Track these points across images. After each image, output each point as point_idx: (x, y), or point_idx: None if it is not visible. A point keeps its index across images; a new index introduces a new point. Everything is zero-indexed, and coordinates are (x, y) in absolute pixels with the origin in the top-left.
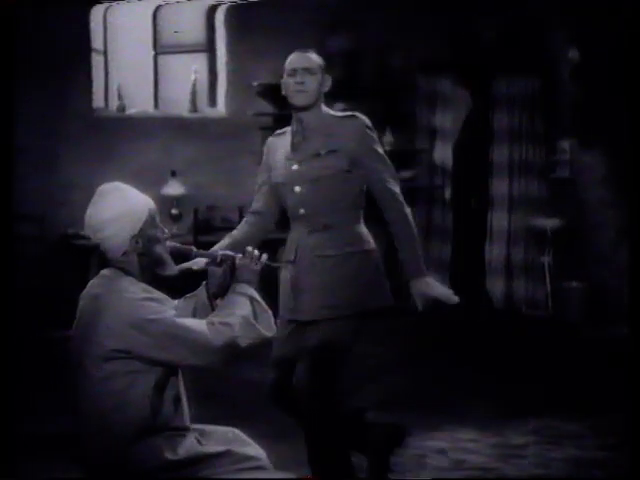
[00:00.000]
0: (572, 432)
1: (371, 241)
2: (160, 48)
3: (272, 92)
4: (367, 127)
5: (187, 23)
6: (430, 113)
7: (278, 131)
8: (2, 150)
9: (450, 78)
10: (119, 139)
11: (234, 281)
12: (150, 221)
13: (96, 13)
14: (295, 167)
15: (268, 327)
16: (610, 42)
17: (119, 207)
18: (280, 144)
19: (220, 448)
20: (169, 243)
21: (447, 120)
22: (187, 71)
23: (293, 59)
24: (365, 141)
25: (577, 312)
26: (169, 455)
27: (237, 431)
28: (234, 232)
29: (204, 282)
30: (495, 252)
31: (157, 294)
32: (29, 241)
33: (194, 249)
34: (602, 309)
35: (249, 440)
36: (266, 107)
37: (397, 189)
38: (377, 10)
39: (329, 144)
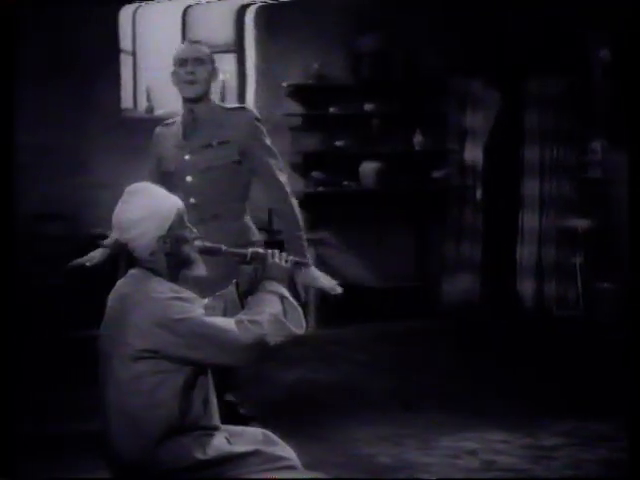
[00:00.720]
0: (604, 433)
1: (257, 233)
2: None
3: (302, 92)
4: (256, 119)
5: (216, 24)
6: (461, 113)
7: (166, 121)
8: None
9: (481, 78)
10: (147, 140)
11: (264, 279)
12: (178, 221)
13: (125, 13)
14: (187, 157)
15: (298, 325)
16: None
17: (147, 207)
18: (169, 134)
19: (249, 448)
20: (197, 242)
21: (478, 120)
22: None
23: (183, 49)
24: (254, 133)
25: (608, 313)
26: (198, 455)
27: (267, 431)
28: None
29: (234, 280)
30: (526, 253)
31: (185, 293)
32: (56, 241)
33: (223, 247)
34: (634, 310)
35: (279, 440)
36: (296, 108)
37: (284, 179)
38: (407, 10)
39: (220, 135)
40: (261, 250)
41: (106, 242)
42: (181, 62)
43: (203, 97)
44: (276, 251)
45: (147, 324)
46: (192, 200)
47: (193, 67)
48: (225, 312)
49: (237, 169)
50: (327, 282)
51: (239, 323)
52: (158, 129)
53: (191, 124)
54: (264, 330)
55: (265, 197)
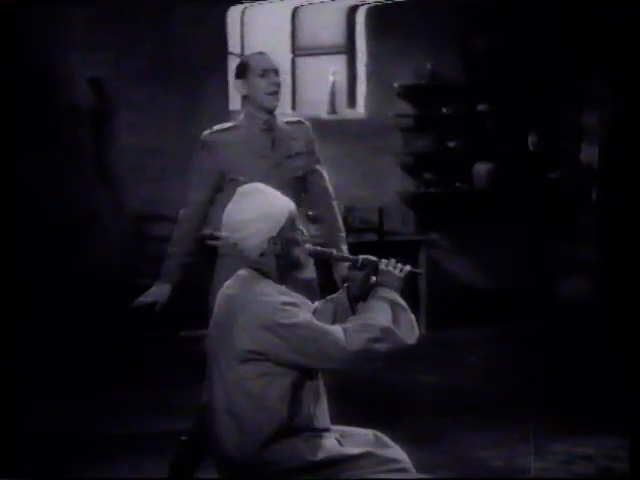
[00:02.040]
0: None
1: None
2: (298, 50)
3: (413, 93)
4: (311, 131)
5: (326, 24)
6: (576, 113)
7: (217, 127)
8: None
9: (597, 76)
10: None
11: (377, 285)
12: (290, 223)
13: (233, 14)
14: (273, 167)
15: (410, 333)
16: None
17: (259, 208)
18: (231, 140)
19: (361, 450)
20: (309, 246)
21: (594, 120)
22: (325, 73)
23: (263, 59)
24: (313, 144)
25: None
26: (308, 456)
27: (378, 433)
28: (175, 235)
29: (345, 285)
30: None
31: (294, 297)
32: (163, 242)
33: (334, 252)
34: None
35: (391, 442)
36: (407, 108)
37: (329, 184)
38: (519, 8)
39: (294, 147)
40: (373, 257)
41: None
42: (263, 72)
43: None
44: (392, 260)
45: (254, 326)
46: None
47: (276, 78)
48: (335, 316)
49: (305, 180)
50: None
51: (346, 329)
52: (213, 135)
53: (271, 134)
54: (373, 337)
55: (312, 202)
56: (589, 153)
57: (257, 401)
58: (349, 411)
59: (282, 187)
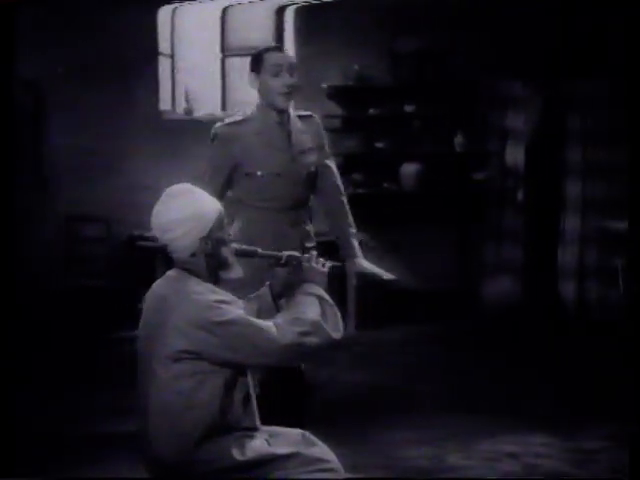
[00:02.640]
0: None
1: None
2: (228, 50)
3: (341, 94)
4: (322, 125)
5: (255, 24)
6: (502, 114)
7: (229, 120)
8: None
9: (522, 79)
10: (186, 142)
11: (302, 282)
12: (218, 223)
13: (163, 15)
14: (289, 161)
15: (336, 328)
16: None
17: (190, 208)
18: (245, 133)
19: (289, 450)
20: (234, 245)
21: (519, 121)
22: None
23: (277, 56)
24: (324, 139)
25: None
26: (237, 456)
27: (307, 433)
28: None
29: (267, 282)
30: (567, 254)
31: (224, 295)
32: (96, 243)
33: (258, 250)
34: None
35: (319, 442)
36: (335, 109)
37: (339, 180)
38: (446, 11)
39: (306, 141)
40: (296, 253)
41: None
42: (276, 71)
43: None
44: (313, 255)
45: (187, 325)
46: (289, 203)
47: (290, 77)
48: (259, 314)
49: (316, 175)
50: (379, 270)
51: (277, 324)
52: (225, 129)
53: (286, 128)
54: (303, 332)
55: (321, 197)
56: (514, 154)
57: (188, 400)
58: (279, 410)
59: (297, 182)
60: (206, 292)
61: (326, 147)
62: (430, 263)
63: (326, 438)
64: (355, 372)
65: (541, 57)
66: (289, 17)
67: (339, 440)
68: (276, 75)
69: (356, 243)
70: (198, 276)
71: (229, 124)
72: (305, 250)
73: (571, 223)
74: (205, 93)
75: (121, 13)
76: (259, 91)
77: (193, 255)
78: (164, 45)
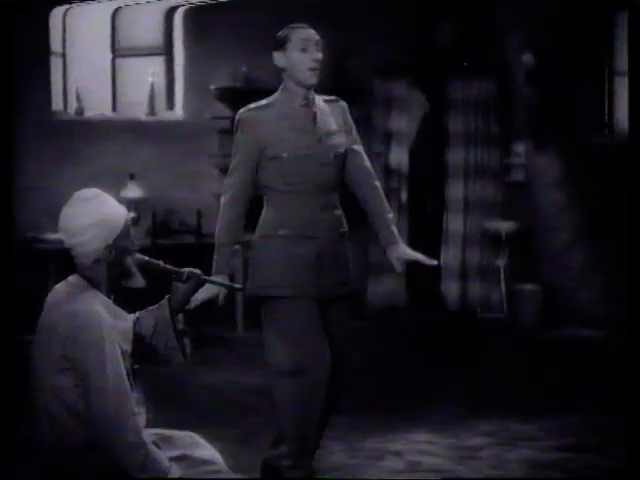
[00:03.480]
0: (527, 433)
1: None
2: (118, 51)
3: (230, 95)
4: (348, 111)
5: (145, 26)
6: (386, 116)
7: (253, 105)
8: None
9: (406, 81)
10: (78, 142)
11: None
12: (125, 231)
13: (55, 15)
14: (315, 143)
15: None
16: (564, 45)
17: (98, 214)
18: (269, 117)
19: (177, 452)
20: (138, 256)
21: (403, 123)
22: (145, 74)
23: (303, 32)
24: (351, 123)
25: (531, 314)
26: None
27: (195, 435)
28: (226, 222)
29: (167, 296)
30: (450, 255)
31: (114, 314)
32: None
33: (161, 264)
34: (556, 311)
35: (206, 444)
36: (223, 110)
37: (369, 165)
38: (333, 13)
39: (333, 123)
40: (197, 271)
41: None
42: (304, 46)
43: None
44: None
45: (66, 332)
46: (318, 186)
47: (317, 52)
48: (155, 327)
49: (344, 159)
50: (420, 255)
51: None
52: (249, 113)
53: (311, 109)
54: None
55: (353, 183)
56: (398, 156)
57: (72, 410)
58: (171, 413)
59: (324, 164)
60: (96, 306)
61: (354, 132)
62: None
63: (214, 439)
64: (247, 374)
65: (424, 59)
66: (178, 19)
67: (227, 441)
68: (304, 50)
69: (394, 228)
70: (98, 284)
71: (253, 109)
72: (345, 233)
73: (453, 224)
74: (96, 93)
75: (13, 11)
76: (285, 69)
77: (96, 262)
78: (56, 45)
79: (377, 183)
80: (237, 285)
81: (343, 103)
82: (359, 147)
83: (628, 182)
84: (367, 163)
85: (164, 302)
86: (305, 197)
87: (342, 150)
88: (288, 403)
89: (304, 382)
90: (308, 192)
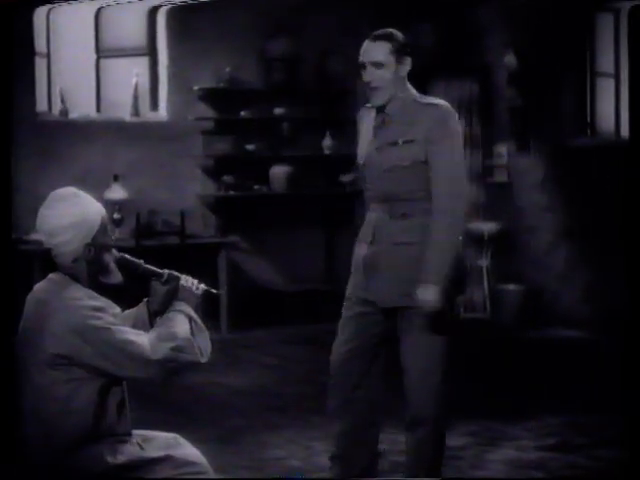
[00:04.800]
0: (509, 433)
1: None
2: (102, 51)
3: (213, 96)
4: (447, 118)
5: (129, 25)
6: None
7: (367, 104)
8: None
9: None
10: (62, 143)
11: (175, 300)
12: (102, 229)
13: (39, 14)
14: (375, 153)
15: (203, 351)
16: (546, 47)
17: (76, 214)
18: (367, 120)
19: (161, 453)
20: (118, 253)
21: None
22: (129, 75)
23: (363, 49)
24: (442, 132)
25: (514, 314)
26: (111, 460)
27: (178, 436)
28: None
29: (145, 299)
30: None
31: (102, 301)
32: None
33: (142, 263)
34: (538, 311)
35: (190, 445)
36: (207, 111)
37: (445, 188)
38: (317, 15)
39: (408, 133)
40: (176, 273)
41: None
42: (361, 66)
43: (393, 97)
44: (189, 277)
45: (62, 330)
46: (381, 196)
47: (371, 74)
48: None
49: (425, 169)
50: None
51: (150, 339)
52: (360, 112)
53: (380, 118)
54: (174, 347)
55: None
56: None
57: (64, 406)
58: (154, 414)
59: (385, 175)
60: (84, 298)
61: (448, 141)
62: (299, 264)
63: (198, 440)
64: (228, 374)
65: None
66: (161, 19)
67: (211, 442)
68: (362, 69)
69: (432, 266)
70: (78, 281)
71: (365, 107)
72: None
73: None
74: (80, 94)
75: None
76: None
77: (75, 260)
78: (40, 45)
79: (443, 207)
80: (213, 289)
81: (442, 110)
82: (439, 161)
83: (610, 183)
84: (441, 186)
85: (142, 305)
86: (375, 203)
87: (407, 162)
88: None
89: None
90: (376, 200)
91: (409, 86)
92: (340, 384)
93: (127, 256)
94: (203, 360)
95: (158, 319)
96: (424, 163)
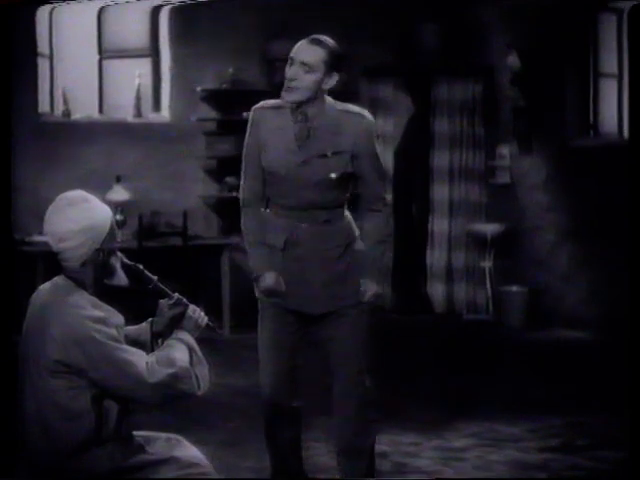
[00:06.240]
0: (512, 435)
1: (357, 229)
2: (105, 52)
3: (216, 97)
4: (372, 129)
5: (131, 25)
6: None
7: (268, 102)
8: None
9: (391, 83)
10: (64, 144)
11: (178, 327)
12: (110, 233)
13: (42, 15)
14: (300, 165)
15: (201, 383)
16: (549, 47)
17: (87, 219)
18: (275, 122)
19: (164, 455)
20: (133, 264)
21: (388, 125)
22: (132, 76)
23: (297, 46)
24: (369, 145)
25: (517, 315)
26: (114, 463)
27: (180, 437)
28: (256, 236)
29: (150, 319)
30: (436, 257)
31: (105, 311)
32: None
33: (156, 279)
34: (542, 312)
35: (191, 446)
36: (210, 112)
37: (384, 193)
38: (320, 15)
39: (335, 144)
40: (185, 300)
41: None
42: (289, 60)
43: (311, 100)
44: (197, 308)
45: (63, 338)
46: (302, 206)
47: (296, 72)
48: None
49: (350, 178)
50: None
51: (148, 362)
52: (259, 112)
53: (304, 128)
54: (172, 374)
55: (361, 202)
56: (384, 157)
57: (65, 412)
58: (156, 416)
59: (312, 188)
60: (87, 307)
61: (374, 151)
62: None
63: (201, 441)
64: (232, 376)
65: (409, 61)
66: (164, 20)
67: (213, 443)
68: (289, 63)
69: (375, 262)
70: (84, 285)
71: (262, 108)
72: (353, 241)
73: (439, 226)
74: (83, 95)
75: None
76: None
77: (83, 264)
78: (43, 45)
79: (377, 211)
80: (214, 325)
81: (368, 120)
82: (375, 172)
83: (613, 183)
84: (380, 190)
85: (146, 324)
86: (289, 211)
87: (336, 174)
88: None
89: None
90: (293, 208)
91: (327, 96)
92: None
93: (142, 267)
94: (199, 393)
95: (159, 341)
96: (351, 174)
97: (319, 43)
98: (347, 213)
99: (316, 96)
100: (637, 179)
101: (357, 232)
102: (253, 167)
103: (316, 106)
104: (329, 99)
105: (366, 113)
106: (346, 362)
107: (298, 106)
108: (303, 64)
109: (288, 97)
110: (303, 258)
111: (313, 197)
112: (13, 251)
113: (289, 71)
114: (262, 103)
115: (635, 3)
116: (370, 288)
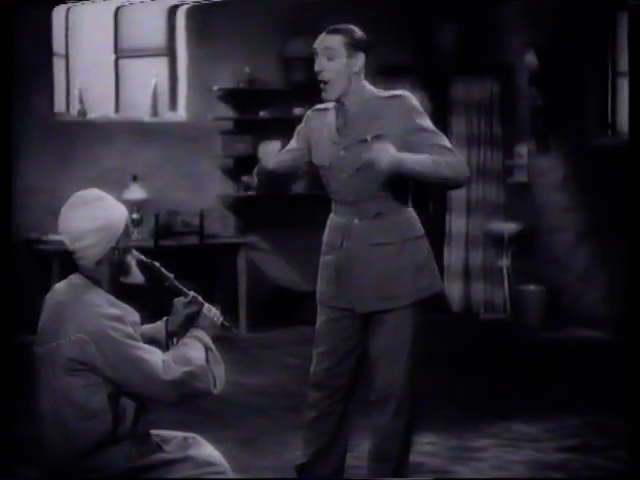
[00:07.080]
0: (530, 435)
1: (420, 226)
2: (121, 52)
3: (232, 96)
4: (412, 106)
5: (148, 25)
6: None
7: (318, 106)
8: None
9: (408, 82)
10: (80, 144)
11: (194, 326)
12: (125, 231)
13: (58, 14)
14: (342, 153)
15: (217, 381)
16: (567, 46)
17: (102, 218)
18: (322, 121)
19: (181, 454)
20: (150, 261)
21: None
22: (148, 75)
23: (318, 39)
24: (410, 122)
25: (535, 315)
26: (131, 462)
27: (197, 436)
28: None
29: (165, 318)
30: (453, 256)
31: (122, 309)
32: None
33: (172, 277)
34: (559, 312)
35: (208, 445)
36: (226, 111)
37: (447, 157)
38: (336, 14)
39: (374, 128)
40: (201, 298)
41: None
42: (314, 54)
43: (348, 90)
44: (212, 307)
45: (78, 335)
46: (350, 198)
47: (322, 62)
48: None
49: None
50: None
51: (164, 360)
52: (310, 113)
53: (342, 117)
54: (188, 372)
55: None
56: None
57: (82, 411)
58: (173, 415)
59: (355, 175)
60: (104, 305)
61: (420, 126)
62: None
63: (217, 440)
64: (247, 374)
65: (427, 59)
66: (180, 19)
67: (230, 442)
68: (315, 57)
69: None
70: (100, 284)
71: (314, 110)
72: (418, 238)
73: (456, 225)
74: (99, 95)
75: (15, 11)
76: None
77: (99, 263)
78: (59, 45)
79: (448, 158)
80: (230, 324)
81: (405, 100)
82: (428, 141)
83: (631, 183)
84: (436, 153)
85: (161, 323)
86: (343, 207)
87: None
88: None
89: None
90: (344, 203)
91: (366, 83)
92: (319, 397)
93: (158, 265)
94: (215, 391)
95: (174, 340)
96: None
97: (336, 30)
98: (408, 209)
99: (350, 83)
100: (637, 179)
101: (420, 231)
102: (289, 148)
103: (354, 93)
104: (370, 87)
105: (405, 93)
106: (386, 365)
107: (338, 100)
108: (325, 49)
109: (326, 95)
110: (354, 255)
111: (359, 186)
112: (12, 251)
113: (316, 65)
114: (312, 108)
115: (635, 3)
116: (379, 149)
